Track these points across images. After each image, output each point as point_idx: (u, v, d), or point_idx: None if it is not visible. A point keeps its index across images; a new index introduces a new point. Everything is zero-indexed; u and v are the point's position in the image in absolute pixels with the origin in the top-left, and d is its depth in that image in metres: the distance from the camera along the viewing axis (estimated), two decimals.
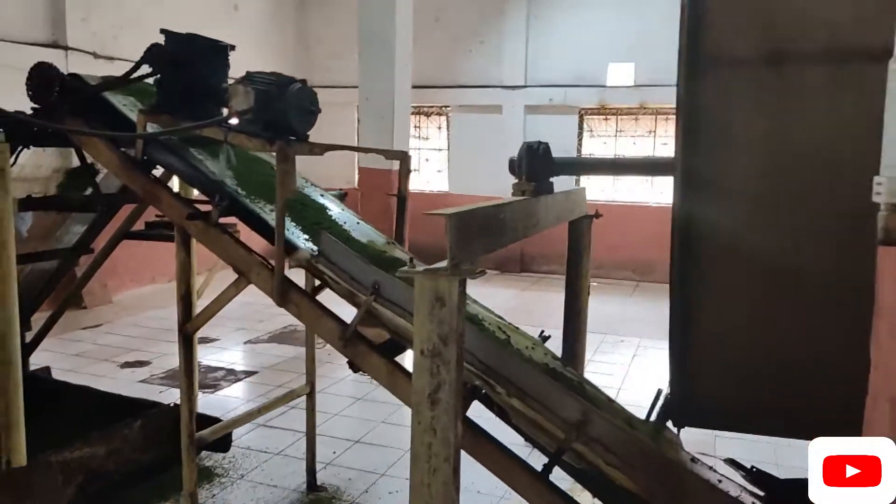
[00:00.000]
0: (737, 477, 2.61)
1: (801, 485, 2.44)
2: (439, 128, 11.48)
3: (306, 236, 2.72)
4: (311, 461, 3.68)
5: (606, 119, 10.48)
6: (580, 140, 10.57)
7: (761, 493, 2.50)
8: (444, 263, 2.01)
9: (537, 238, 10.38)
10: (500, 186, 10.63)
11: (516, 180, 3.06)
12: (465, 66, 11.01)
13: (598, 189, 10.64)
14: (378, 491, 3.66)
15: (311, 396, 3.65)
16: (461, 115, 11.18)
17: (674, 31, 2.01)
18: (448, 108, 11.30)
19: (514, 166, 3.10)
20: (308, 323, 2.58)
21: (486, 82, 10.87)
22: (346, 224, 3.05)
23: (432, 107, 11.39)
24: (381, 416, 4.72)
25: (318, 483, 3.70)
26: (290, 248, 2.57)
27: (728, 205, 2.03)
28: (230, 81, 2.63)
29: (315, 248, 2.58)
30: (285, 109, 2.47)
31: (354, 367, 2.55)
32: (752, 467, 2.59)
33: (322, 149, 2.66)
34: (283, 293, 2.57)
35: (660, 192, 10.15)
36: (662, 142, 10.17)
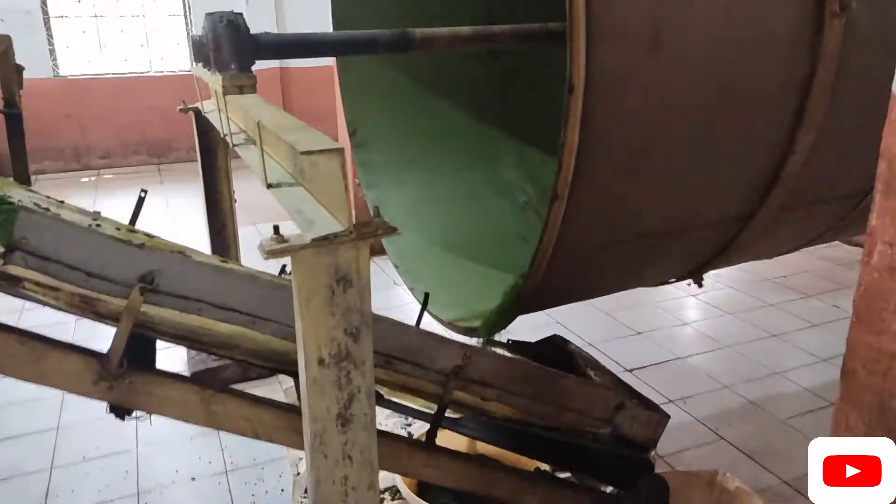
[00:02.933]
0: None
1: (550, 341, 2.66)
2: None
3: None
4: None
5: None
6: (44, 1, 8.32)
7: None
8: (333, 223, 1.33)
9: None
10: None
11: (216, 72, 2.17)
12: None
13: (83, 60, 8.76)
14: None
15: None
16: None
17: None
18: None
19: (203, 50, 2.18)
20: (19, 369, 1.40)
21: None
22: None
23: None
24: None
25: None
26: None
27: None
28: None
29: None
30: None
31: (122, 411, 1.56)
32: (508, 340, 2.66)
33: None
34: None
35: (160, 57, 8.93)
36: None
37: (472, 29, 2.47)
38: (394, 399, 1.87)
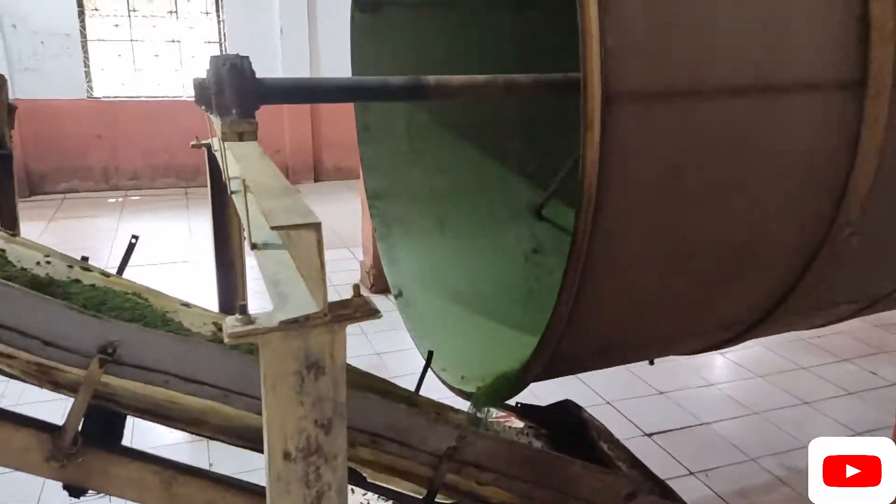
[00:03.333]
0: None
1: (562, 406, 2.47)
2: None
3: None
4: None
5: None
6: (83, 21, 8.47)
7: (534, 426, 2.44)
8: (308, 302, 1.21)
9: (44, 149, 8.33)
10: None
11: (217, 118, 2.08)
12: None
13: (118, 83, 8.89)
14: None
15: None
16: None
17: None
18: None
19: (205, 94, 2.09)
20: None
21: None
22: None
23: None
24: None
25: None
26: None
27: None
28: None
29: None
30: None
31: (77, 490, 1.43)
32: (518, 404, 2.49)
33: None
34: None
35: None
36: (188, 24, 8.90)
37: (488, 77, 2.35)
38: (378, 483, 1.72)
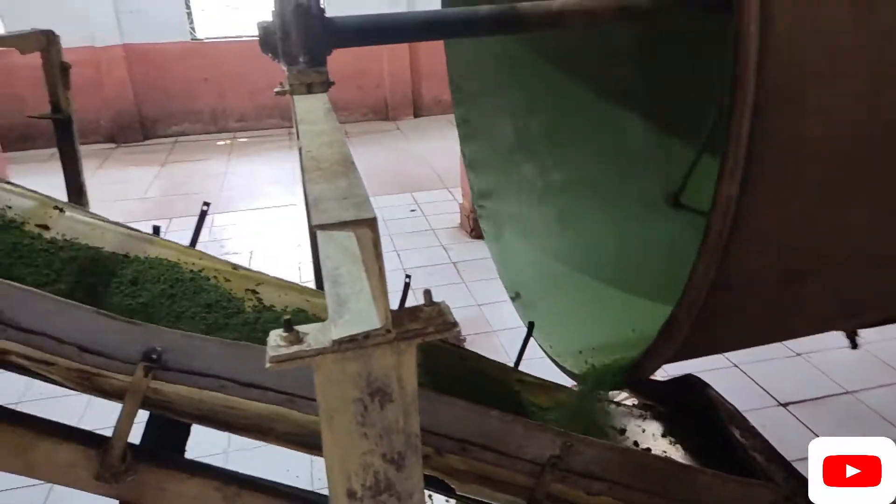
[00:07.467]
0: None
1: (684, 382, 2.08)
2: None
3: None
4: None
5: None
6: None
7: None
8: (368, 313, 0.96)
9: (155, 94, 8.44)
10: None
11: (285, 66, 1.84)
12: None
13: (216, 22, 8.89)
14: None
15: None
16: None
17: None
18: None
19: (271, 39, 1.85)
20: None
21: None
22: None
23: None
24: None
25: None
26: None
27: None
28: None
29: None
30: None
31: None
32: None
33: None
34: None
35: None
36: None
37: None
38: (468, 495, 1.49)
